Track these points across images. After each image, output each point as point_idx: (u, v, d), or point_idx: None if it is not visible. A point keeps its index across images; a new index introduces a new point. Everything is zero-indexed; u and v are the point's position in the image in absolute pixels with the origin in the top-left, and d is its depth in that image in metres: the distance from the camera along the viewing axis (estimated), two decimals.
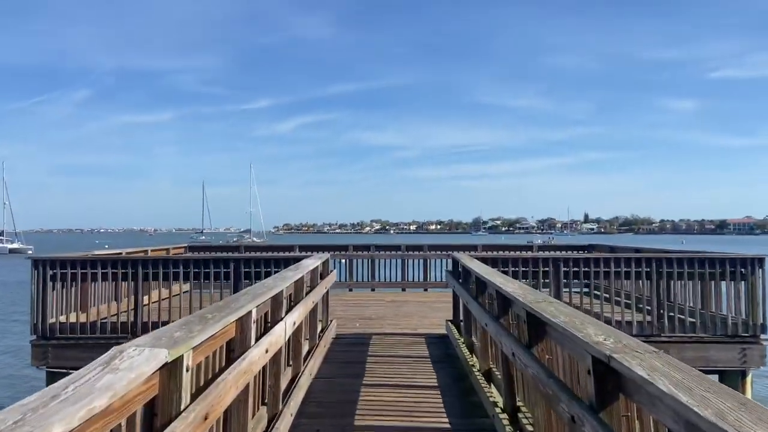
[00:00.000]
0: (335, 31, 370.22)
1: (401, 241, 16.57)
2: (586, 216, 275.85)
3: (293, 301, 6.09)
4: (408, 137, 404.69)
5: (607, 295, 8.80)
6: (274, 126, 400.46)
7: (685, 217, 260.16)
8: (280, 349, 4.71)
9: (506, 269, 8.51)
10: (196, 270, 8.85)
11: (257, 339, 3.98)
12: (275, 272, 8.31)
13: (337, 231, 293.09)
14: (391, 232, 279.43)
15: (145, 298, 9.23)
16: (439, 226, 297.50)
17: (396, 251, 15.53)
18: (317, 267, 7.73)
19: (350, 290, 14.87)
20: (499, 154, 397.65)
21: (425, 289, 14.93)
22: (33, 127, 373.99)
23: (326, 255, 8.96)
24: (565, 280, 8.76)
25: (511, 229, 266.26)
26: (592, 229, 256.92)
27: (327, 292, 8.72)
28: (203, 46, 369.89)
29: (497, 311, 5.10)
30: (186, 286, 9.79)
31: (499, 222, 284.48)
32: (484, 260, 8.06)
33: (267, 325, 4.79)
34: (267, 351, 3.95)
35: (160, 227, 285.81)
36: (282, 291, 4.90)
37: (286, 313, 5.10)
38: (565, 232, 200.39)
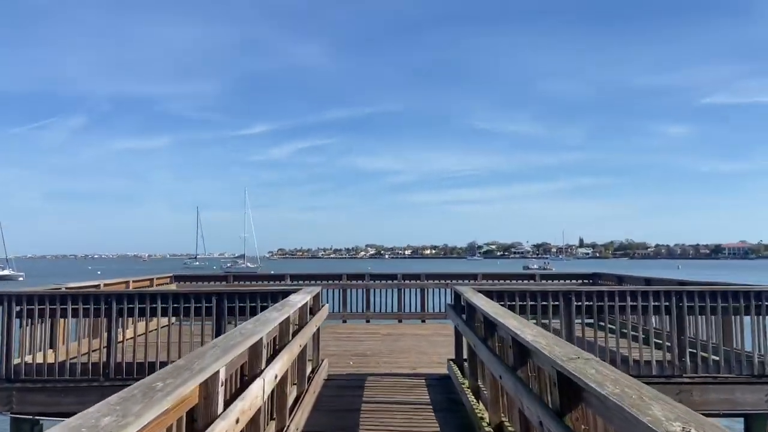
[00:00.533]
0: (331, 58, 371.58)
1: (397, 270, 15.86)
2: (581, 240, 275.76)
3: (277, 345, 5.38)
4: (403, 162, 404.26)
5: (624, 330, 8.09)
6: (269, 151, 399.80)
7: (680, 242, 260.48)
8: (259, 410, 3.98)
9: (513, 303, 7.82)
10: (176, 305, 8.13)
11: (227, 404, 3.27)
12: (262, 307, 7.60)
13: (332, 256, 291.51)
14: (386, 257, 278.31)
15: (121, 335, 8.46)
16: (434, 251, 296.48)
17: (392, 280, 14.82)
18: (306, 303, 7.02)
19: (344, 321, 14.12)
20: (493, 178, 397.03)
21: (423, 321, 14.20)
22: (29, 153, 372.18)
23: (317, 288, 8.25)
24: (577, 314, 8.08)
25: (506, 253, 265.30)
26: (587, 253, 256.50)
27: (318, 329, 8.00)
28: (200, 73, 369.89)
29: (513, 360, 4.40)
30: (166, 320, 9.04)
31: (494, 246, 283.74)
32: (488, 294, 7.37)
33: (244, 378, 4.08)
34: (238, 421, 3.23)
35: (155, 253, 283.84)
36: (262, 338, 4.19)
37: (267, 364, 4.38)
38: (560, 256, 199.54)
